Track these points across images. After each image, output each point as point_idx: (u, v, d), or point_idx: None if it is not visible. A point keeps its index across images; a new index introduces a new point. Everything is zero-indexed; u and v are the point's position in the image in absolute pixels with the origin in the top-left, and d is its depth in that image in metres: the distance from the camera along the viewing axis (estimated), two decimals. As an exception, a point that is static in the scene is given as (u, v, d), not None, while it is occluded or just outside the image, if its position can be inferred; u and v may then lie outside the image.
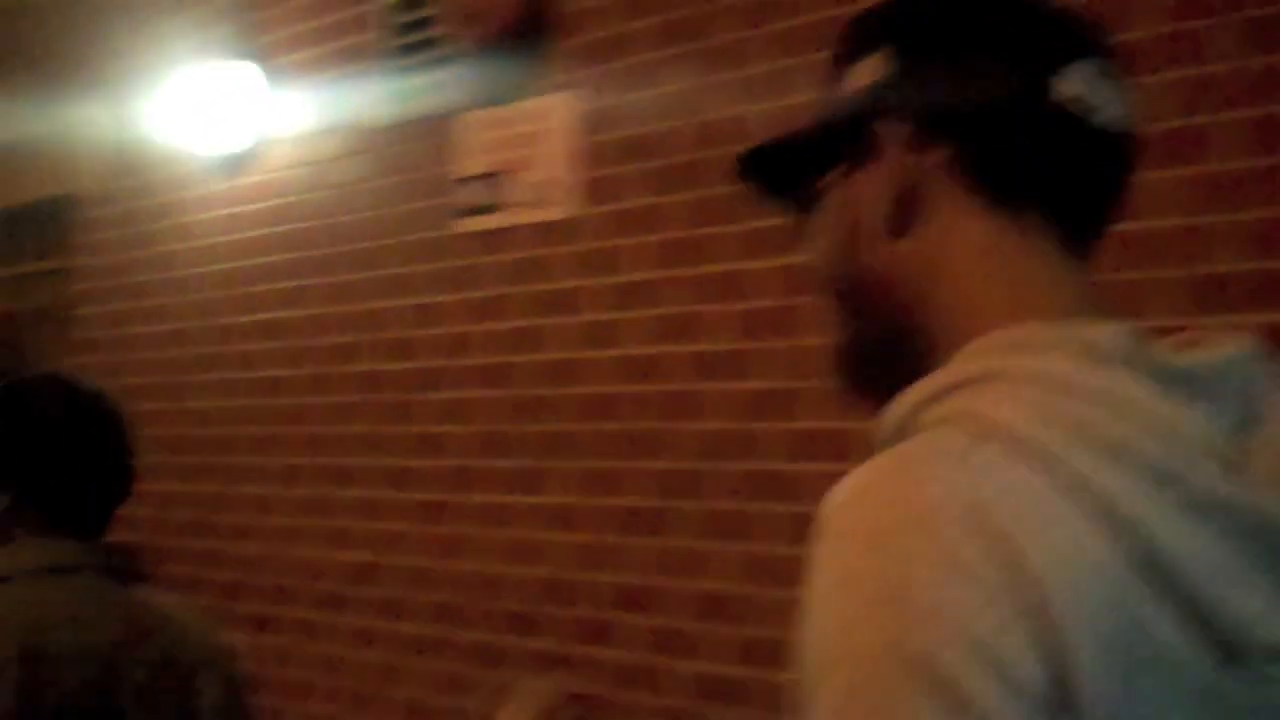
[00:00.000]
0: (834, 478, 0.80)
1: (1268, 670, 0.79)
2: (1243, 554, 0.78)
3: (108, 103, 4.84)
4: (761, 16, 3.06)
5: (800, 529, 0.94)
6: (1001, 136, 0.91)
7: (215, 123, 4.32)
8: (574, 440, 3.27)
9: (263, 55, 4.26)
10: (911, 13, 0.97)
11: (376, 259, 3.84)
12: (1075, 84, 0.90)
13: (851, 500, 0.78)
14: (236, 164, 4.33)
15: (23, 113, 5.16)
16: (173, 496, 4.40)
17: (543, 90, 3.48)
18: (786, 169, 1.01)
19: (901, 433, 0.84)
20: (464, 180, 3.64)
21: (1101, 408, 0.79)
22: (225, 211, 4.37)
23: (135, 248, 4.69)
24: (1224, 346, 0.88)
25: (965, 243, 0.90)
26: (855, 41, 0.98)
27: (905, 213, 0.91)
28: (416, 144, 3.77)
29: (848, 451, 2.45)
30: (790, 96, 2.82)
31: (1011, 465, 0.76)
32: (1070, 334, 0.84)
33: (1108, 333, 0.84)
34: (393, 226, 3.81)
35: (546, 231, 3.41)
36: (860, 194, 0.93)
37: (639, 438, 3.15)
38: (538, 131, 3.49)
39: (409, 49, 3.84)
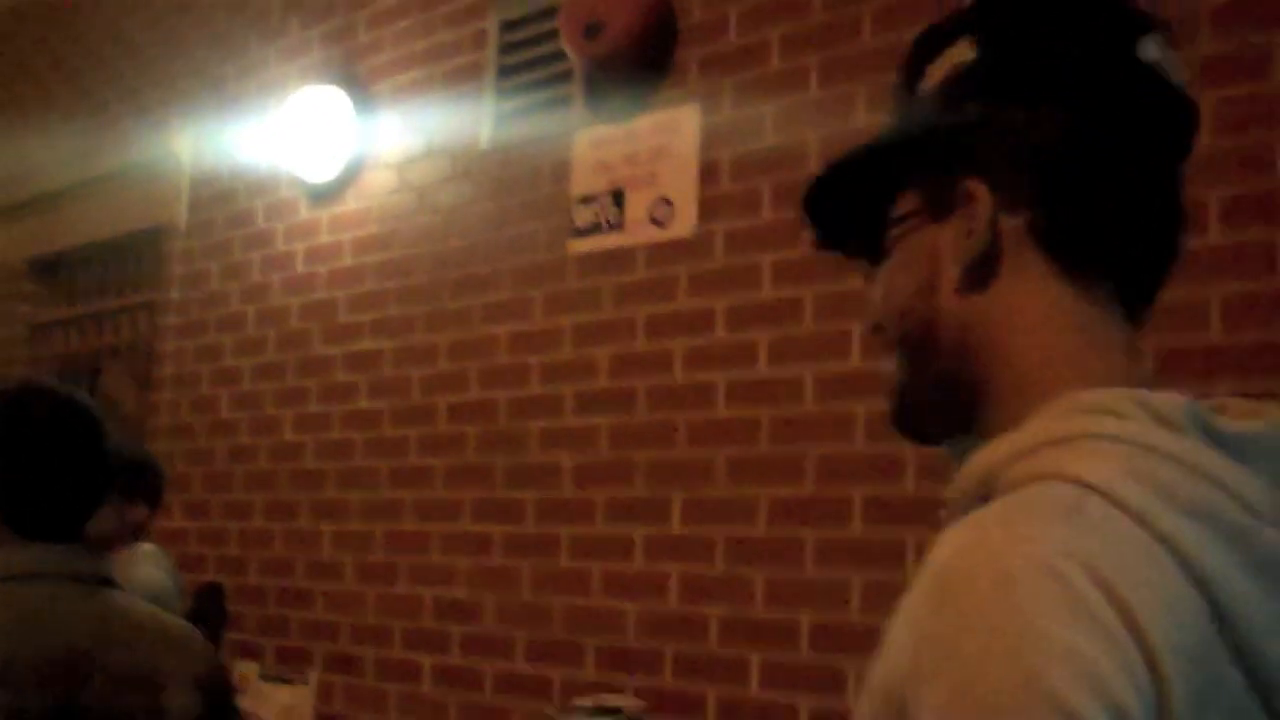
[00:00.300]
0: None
1: None
2: None
3: (199, 132, 4.75)
4: (890, 24, 2.92)
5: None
6: (1090, 202, 0.95)
7: (311, 150, 4.21)
8: (708, 468, 3.09)
9: (361, 80, 4.16)
10: (996, 70, 0.99)
11: (486, 284, 3.69)
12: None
13: (975, 547, 0.82)
14: (333, 192, 4.21)
15: (111, 143, 5.08)
16: (260, 534, 4.24)
17: (663, 105, 3.34)
18: (862, 212, 1.06)
19: (989, 484, 0.90)
20: (581, 200, 3.50)
21: (1179, 471, 0.85)
22: (321, 240, 4.25)
23: (227, 279, 4.57)
24: (1262, 416, 0.93)
25: (1039, 306, 0.96)
26: (937, 38, 1.02)
27: (984, 269, 0.97)
28: (529, 164, 3.64)
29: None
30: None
31: (1114, 523, 0.82)
32: (1141, 400, 0.90)
33: (1174, 401, 0.90)
34: (503, 250, 3.66)
35: (671, 250, 3.25)
36: (939, 243, 0.99)
37: (779, 463, 2.97)
38: (659, 147, 3.35)
39: (521, 67, 3.72)
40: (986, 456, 0.92)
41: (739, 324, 3.08)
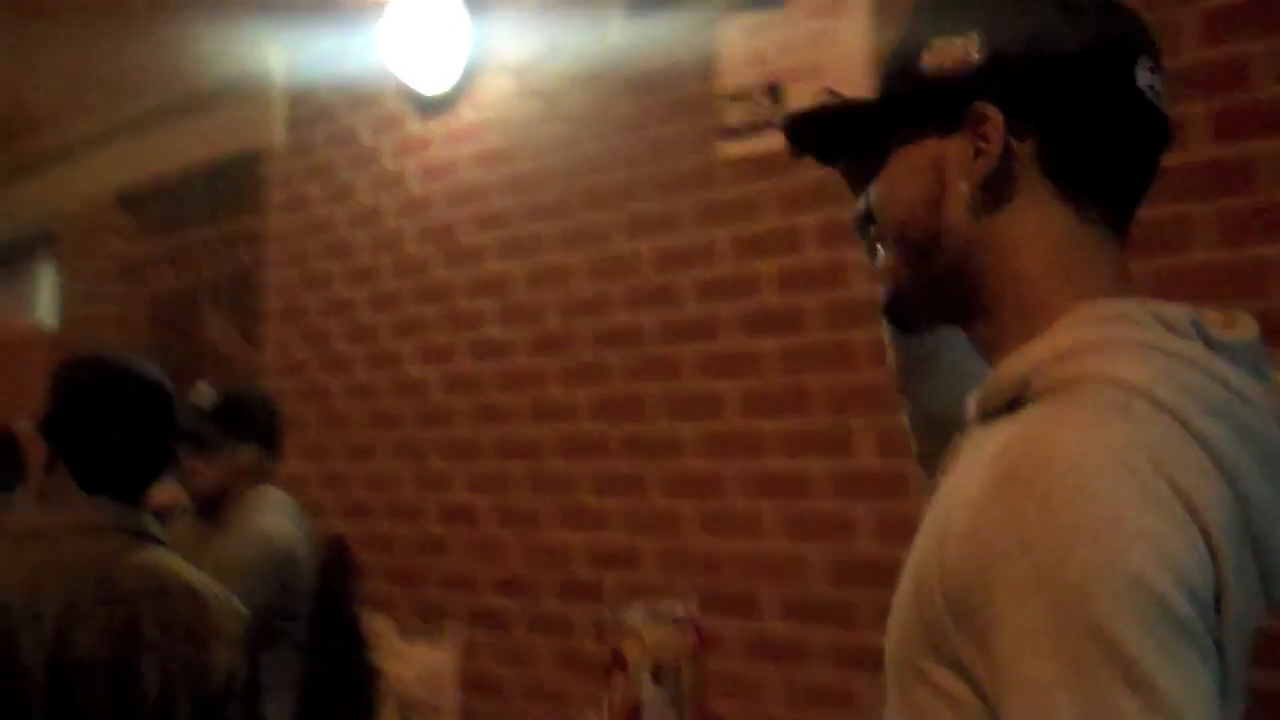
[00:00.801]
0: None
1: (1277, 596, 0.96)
2: None
3: (294, 42, 4.39)
4: None
5: None
6: (1089, 128, 1.03)
7: (420, 57, 3.85)
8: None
9: (472, -20, 3.77)
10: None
11: (625, 196, 3.32)
12: (1147, 73, 1.04)
13: (1046, 442, 0.90)
14: (446, 102, 3.85)
15: (199, 60, 4.74)
16: (386, 477, 3.94)
17: (825, -15, 2.94)
18: (864, 125, 1.13)
19: (1026, 385, 0.98)
20: (731, 97, 3.11)
21: (1198, 374, 0.94)
22: (435, 156, 3.90)
23: (333, 203, 4.23)
24: (1238, 325, 1.02)
25: (1041, 225, 1.04)
26: (941, 18, 1.08)
27: (997, 190, 1.04)
28: (668, 60, 3.24)
29: None
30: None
31: (1159, 421, 0.91)
32: (1154, 310, 0.99)
33: (1180, 311, 1.00)
34: (644, 157, 3.28)
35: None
36: (945, 156, 1.06)
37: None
38: (821, 32, 2.95)
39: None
40: (1023, 360, 0.99)
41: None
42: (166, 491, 3.71)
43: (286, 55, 4.42)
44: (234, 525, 3.41)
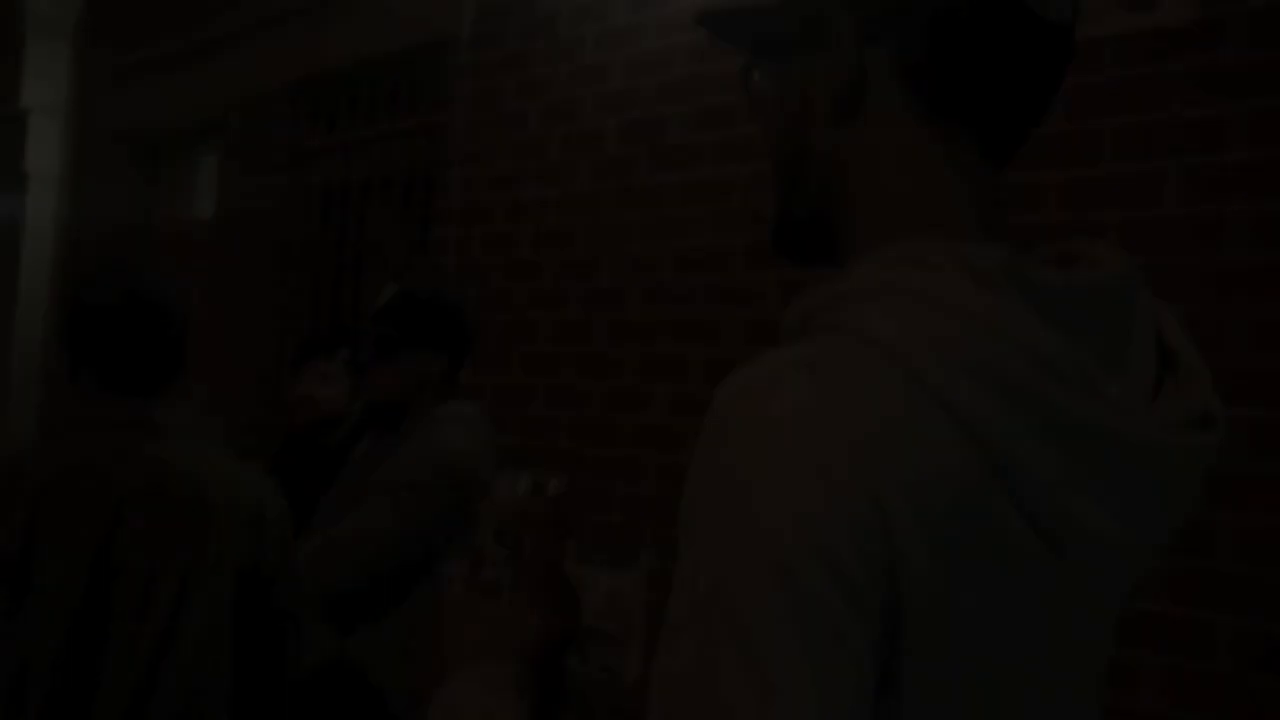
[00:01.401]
0: None
1: (1088, 560, 0.91)
2: (1085, 464, 0.87)
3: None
4: None
5: None
6: (946, 39, 0.93)
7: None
8: (1221, 328, 2.37)
9: None
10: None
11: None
12: None
13: (739, 394, 0.86)
14: (666, -11, 3.52)
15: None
16: (572, 393, 3.65)
17: None
18: (747, 38, 1.06)
19: (802, 330, 0.92)
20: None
21: (974, 329, 0.86)
22: (644, 48, 3.57)
23: (525, 98, 3.93)
24: (1102, 266, 0.94)
25: (892, 147, 0.96)
26: None
27: (847, 104, 0.96)
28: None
29: None
30: None
31: (885, 380, 0.84)
32: (961, 255, 0.89)
33: (995, 257, 0.89)
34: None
35: (1157, 42, 2.50)
36: (810, 73, 0.99)
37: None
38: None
39: None
40: (808, 299, 0.95)
41: (1265, 135, 2.33)
42: (320, 391, 3.46)
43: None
44: (414, 440, 3.12)
